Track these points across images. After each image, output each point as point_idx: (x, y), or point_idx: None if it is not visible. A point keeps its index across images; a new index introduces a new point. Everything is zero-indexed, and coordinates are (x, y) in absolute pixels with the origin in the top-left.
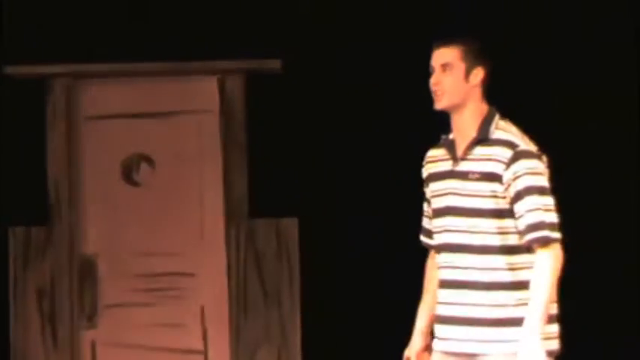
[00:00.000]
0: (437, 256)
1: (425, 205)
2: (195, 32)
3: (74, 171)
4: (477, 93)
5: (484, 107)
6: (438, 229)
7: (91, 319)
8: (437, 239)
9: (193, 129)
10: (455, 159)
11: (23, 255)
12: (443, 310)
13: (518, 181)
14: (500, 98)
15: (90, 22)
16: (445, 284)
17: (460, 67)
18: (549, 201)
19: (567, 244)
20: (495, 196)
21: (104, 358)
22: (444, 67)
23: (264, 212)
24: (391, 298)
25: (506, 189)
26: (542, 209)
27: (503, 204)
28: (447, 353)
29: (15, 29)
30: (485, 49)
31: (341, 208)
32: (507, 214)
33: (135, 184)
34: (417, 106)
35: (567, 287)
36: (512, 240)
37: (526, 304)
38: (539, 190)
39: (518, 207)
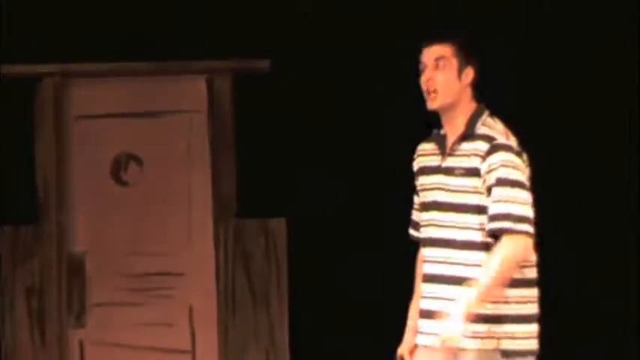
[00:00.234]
0: (422, 249)
1: (415, 198)
2: (184, 32)
3: (63, 170)
4: (467, 92)
5: (473, 105)
6: (425, 223)
7: (80, 317)
8: (423, 232)
9: (182, 128)
10: (443, 154)
11: (12, 253)
12: (425, 304)
13: (492, 173)
14: (500, 97)
15: (79, 22)
16: (427, 278)
17: (454, 63)
18: (522, 194)
19: (566, 245)
20: (478, 192)
21: (92, 357)
22: (438, 62)
23: (252, 212)
24: (380, 297)
25: (483, 183)
26: (510, 201)
27: (485, 200)
28: (429, 348)
29: (4, 29)
30: (475, 49)
31: (329, 208)
32: (486, 210)
33: (123, 183)
34: (406, 105)
35: (567, 286)
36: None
37: (507, 301)
38: (511, 183)
39: (488, 200)
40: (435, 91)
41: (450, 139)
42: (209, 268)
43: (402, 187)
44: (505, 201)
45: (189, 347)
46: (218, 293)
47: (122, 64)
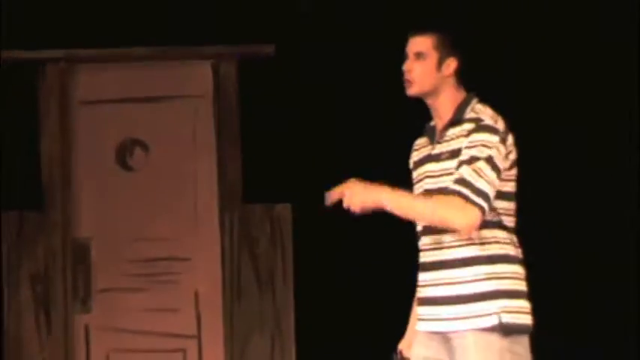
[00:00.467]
0: (419, 240)
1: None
2: (189, 17)
3: (68, 156)
4: (449, 82)
5: (461, 94)
6: None
7: (85, 303)
8: (418, 224)
9: (187, 114)
10: (433, 143)
11: (17, 240)
12: (423, 292)
13: (471, 149)
14: (500, 97)
15: (84, 7)
16: (422, 267)
17: (433, 56)
18: (491, 174)
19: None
20: None
21: (98, 343)
22: (417, 55)
23: (258, 198)
24: (386, 283)
25: (459, 157)
26: (478, 174)
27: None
28: (426, 333)
29: (9, 14)
30: (459, 41)
31: None
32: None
33: (129, 168)
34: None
35: (567, 286)
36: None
37: (495, 277)
38: (486, 159)
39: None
40: (411, 81)
41: (439, 128)
42: (215, 254)
43: (408, 175)
44: (474, 170)
45: (194, 332)
46: (224, 279)
47: (127, 49)
